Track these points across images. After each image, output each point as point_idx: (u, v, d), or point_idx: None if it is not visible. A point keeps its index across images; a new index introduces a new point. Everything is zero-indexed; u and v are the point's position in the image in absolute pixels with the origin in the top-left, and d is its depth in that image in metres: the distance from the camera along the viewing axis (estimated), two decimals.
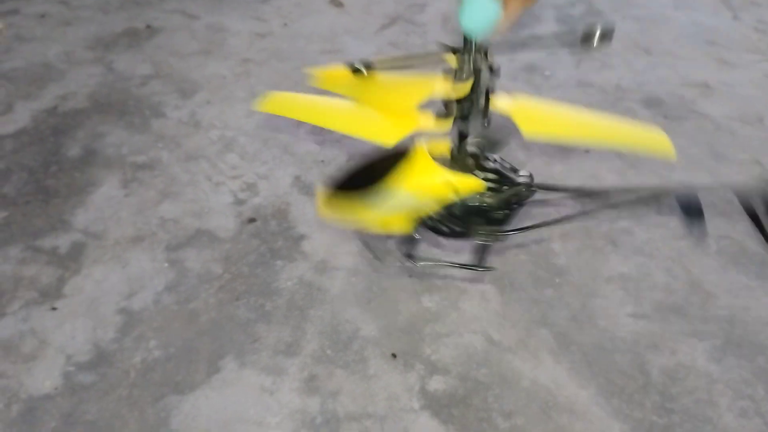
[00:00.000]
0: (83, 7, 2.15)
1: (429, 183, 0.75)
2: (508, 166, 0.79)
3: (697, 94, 1.82)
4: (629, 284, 1.26)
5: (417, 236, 0.85)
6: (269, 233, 1.34)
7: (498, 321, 1.19)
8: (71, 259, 1.27)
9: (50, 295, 1.20)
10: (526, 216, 0.83)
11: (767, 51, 2.07)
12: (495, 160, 0.79)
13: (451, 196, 0.76)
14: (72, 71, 1.84)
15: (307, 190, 1.45)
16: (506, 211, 0.79)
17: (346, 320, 1.18)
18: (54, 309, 1.18)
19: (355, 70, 0.71)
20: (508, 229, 0.81)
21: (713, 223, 1.39)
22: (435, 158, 0.76)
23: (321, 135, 1.60)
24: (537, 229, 0.87)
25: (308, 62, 1.89)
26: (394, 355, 1.13)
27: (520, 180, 0.77)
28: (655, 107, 1.76)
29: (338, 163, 1.52)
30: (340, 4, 2.18)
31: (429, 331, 1.17)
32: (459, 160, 0.78)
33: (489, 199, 0.77)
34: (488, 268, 0.89)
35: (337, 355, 1.13)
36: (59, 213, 1.37)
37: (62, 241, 1.31)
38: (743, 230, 1.38)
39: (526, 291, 1.24)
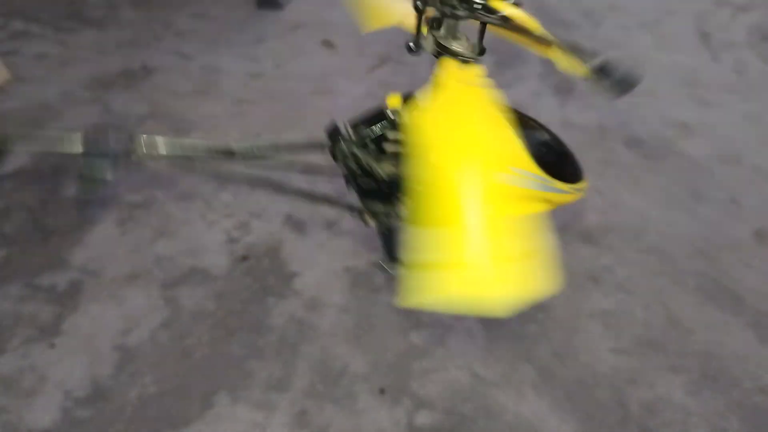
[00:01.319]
0: (81, 47, 2.21)
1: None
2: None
3: (677, 133, 1.89)
4: (610, 320, 1.31)
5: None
6: (261, 271, 1.38)
7: (483, 356, 1.23)
8: (69, 297, 1.31)
9: (49, 332, 1.23)
10: None
11: (746, 91, 2.14)
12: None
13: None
14: (70, 111, 1.88)
15: (299, 227, 1.49)
16: None
17: (336, 356, 1.22)
18: (53, 346, 1.21)
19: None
20: None
21: (692, 260, 1.44)
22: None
23: (312, 174, 1.65)
24: None
25: (300, 103, 1.94)
26: (382, 391, 1.16)
27: None
28: (636, 147, 1.82)
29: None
30: (331, 46, 2.25)
31: (416, 367, 1.21)
32: None
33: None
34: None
35: (327, 390, 1.16)
36: (57, 251, 1.40)
37: (60, 279, 1.34)
38: (720, 268, 1.43)
39: (510, 327, 1.28)
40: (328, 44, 2.27)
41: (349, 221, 1.51)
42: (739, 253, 1.47)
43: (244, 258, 1.42)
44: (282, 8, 2.43)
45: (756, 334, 1.29)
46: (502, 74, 2.11)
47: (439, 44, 0.82)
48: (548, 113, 1.95)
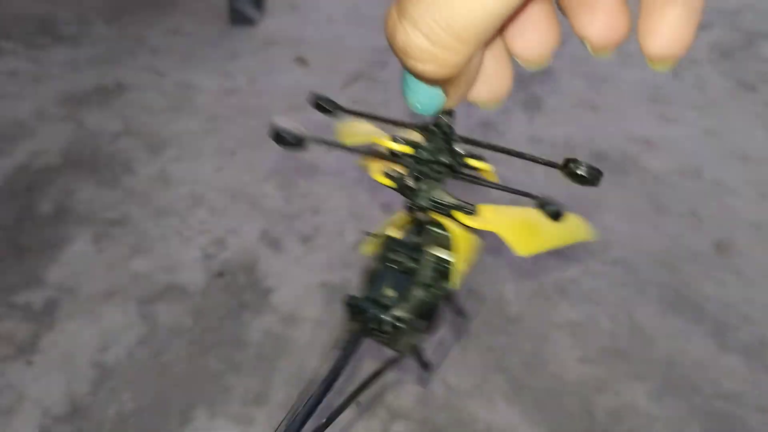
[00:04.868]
0: (54, 64, 2.21)
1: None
2: None
3: (640, 149, 1.95)
4: (577, 330, 1.35)
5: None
6: (238, 287, 1.41)
7: (455, 367, 1.26)
8: (45, 315, 1.32)
9: (26, 350, 1.24)
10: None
11: (706, 107, 2.21)
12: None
13: None
14: (43, 128, 1.89)
15: (274, 243, 1.52)
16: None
17: (313, 369, 1.25)
18: (30, 363, 1.22)
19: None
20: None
21: (654, 272, 1.50)
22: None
23: (287, 190, 1.68)
24: None
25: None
26: (357, 402, 1.19)
27: None
28: (600, 162, 1.87)
29: (305, 218, 1.60)
30: (305, 62, 2.28)
31: (391, 378, 1.24)
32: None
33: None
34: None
35: None
36: (33, 269, 1.41)
37: (36, 297, 1.35)
38: (682, 279, 1.48)
39: (481, 338, 1.32)
40: (301, 61, 2.30)
41: (323, 236, 1.54)
42: (700, 264, 1.53)
43: (221, 274, 1.44)
44: (255, 24, 2.46)
45: (715, 341, 1.34)
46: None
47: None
48: (517, 129, 2.00)
